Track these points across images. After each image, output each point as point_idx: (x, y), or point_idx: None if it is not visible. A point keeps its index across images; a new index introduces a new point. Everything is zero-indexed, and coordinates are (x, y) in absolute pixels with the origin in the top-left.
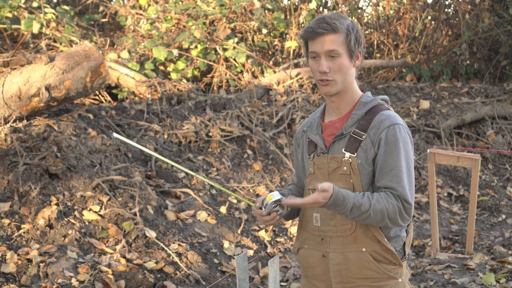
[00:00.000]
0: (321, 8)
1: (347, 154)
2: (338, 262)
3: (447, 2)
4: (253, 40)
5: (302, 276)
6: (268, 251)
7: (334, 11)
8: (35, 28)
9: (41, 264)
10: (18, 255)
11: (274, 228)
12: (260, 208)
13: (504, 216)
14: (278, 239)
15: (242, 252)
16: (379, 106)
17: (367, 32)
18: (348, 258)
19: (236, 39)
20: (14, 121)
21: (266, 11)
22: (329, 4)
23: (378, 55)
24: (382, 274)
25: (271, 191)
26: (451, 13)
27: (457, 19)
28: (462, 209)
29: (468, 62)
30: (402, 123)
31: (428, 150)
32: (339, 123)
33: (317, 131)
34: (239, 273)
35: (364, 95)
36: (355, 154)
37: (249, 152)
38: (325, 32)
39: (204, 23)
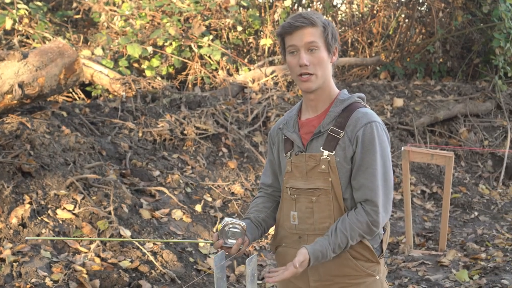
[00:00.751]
0: (296, 6)
1: (326, 153)
2: None
3: (420, 1)
4: (228, 38)
5: None
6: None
7: (309, 9)
8: (8, 24)
9: (14, 263)
10: None
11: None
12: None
13: (476, 213)
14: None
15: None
16: (355, 104)
17: (341, 30)
18: None
19: (211, 37)
20: None
21: (241, 9)
22: (303, 1)
23: (352, 53)
24: (360, 271)
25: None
26: (424, 11)
27: (430, 17)
28: (435, 207)
29: (441, 60)
30: (379, 120)
31: (403, 148)
32: (316, 121)
33: (294, 129)
34: (216, 272)
35: (341, 92)
36: (333, 152)
37: (224, 150)
38: (304, 26)
39: (179, 20)
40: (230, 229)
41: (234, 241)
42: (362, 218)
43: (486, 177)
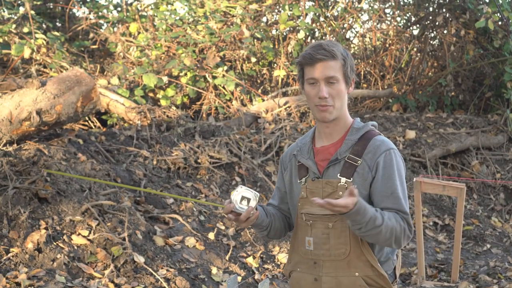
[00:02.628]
0: (309, 38)
1: (343, 179)
2: (331, 285)
3: (432, 35)
4: (242, 69)
5: None
6: (256, 277)
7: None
8: (26, 53)
9: (29, 287)
10: (7, 278)
11: (261, 255)
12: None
13: (489, 246)
14: (266, 266)
15: (230, 277)
16: (371, 132)
17: (355, 62)
18: (341, 282)
19: (225, 67)
20: (5, 145)
21: (255, 40)
22: (316, 34)
23: (365, 85)
24: None
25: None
26: (436, 45)
27: (442, 51)
28: (447, 238)
29: (453, 93)
30: (395, 147)
31: (415, 179)
32: (332, 149)
33: (309, 156)
34: None
35: (355, 121)
36: (351, 179)
37: (238, 179)
38: (325, 59)
39: (194, 51)
40: (243, 194)
41: (245, 208)
42: (401, 222)
43: (499, 210)
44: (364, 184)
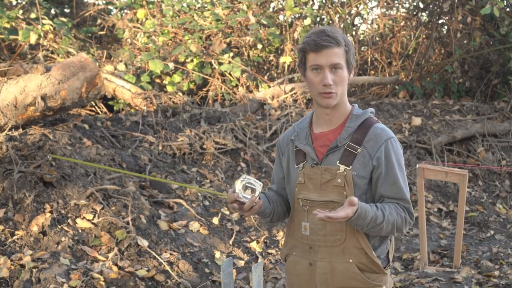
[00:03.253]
0: (316, 25)
1: (342, 167)
2: (325, 271)
3: (440, 21)
4: (248, 55)
5: (287, 284)
6: (259, 261)
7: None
8: (33, 38)
9: (33, 269)
10: (11, 260)
11: (265, 240)
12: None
13: (492, 232)
14: (269, 251)
15: (233, 262)
16: (370, 119)
17: (362, 49)
18: (335, 268)
19: (231, 54)
20: (10, 129)
21: (262, 27)
22: (324, 21)
23: (372, 72)
24: (367, 283)
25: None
26: (443, 31)
27: (449, 37)
28: (451, 225)
29: (460, 80)
30: (394, 136)
31: (417, 165)
32: (332, 135)
33: (307, 141)
34: (224, 277)
35: (354, 107)
36: (350, 167)
37: (243, 165)
38: (330, 45)
39: (200, 38)
40: (246, 184)
41: (248, 197)
42: (402, 212)
43: (504, 197)
44: (364, 171)
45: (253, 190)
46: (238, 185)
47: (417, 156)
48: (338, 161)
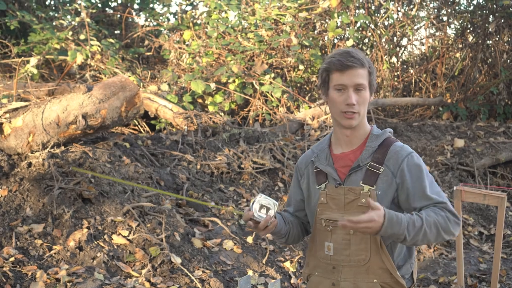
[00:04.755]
0: (359, 45)
1: (366, 187)
2: None
3: (486, 43)
4: (290, 76)
5: None
6: (292, 281)
7: (371, 50)
8: (79, 59)
9: (68, 283)
10: (48, 274)
11: (299, 260)
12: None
13: None
14: (303, 270)
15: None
16: (389, 139)
17: (407, 70)
18: (359, 287)
19: (272, 74)
20: (52, 147)
21: (304, 48)
22: (366, 41)
23: (417, 93)
24: None
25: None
26: (489, 53)
27: (495, 58)
28: (492, 248)
29: (507, 101)
30: (413, 151)
31: (455, 187)
32: (353, 155)
33: (327, 162)
34: None
35: (373, 127)
36: (374, 186)
37: (280, 184)
38: (355, 66)
39: (243, 59)
40: (262, 203)
41: (263, 216)
42: (441, 212)
43: None
44: (388, 191)
45: (268, 210)
46: (255, 204)
47: (459, 179)
48: (361, 181)
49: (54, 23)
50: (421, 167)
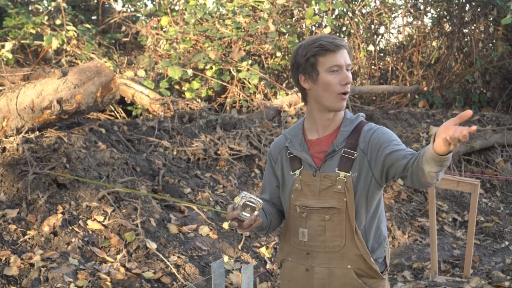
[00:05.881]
0: (336, 34)
1: (342, 174)
2: (323, 276)
3: (462, 31)
4: (267, 63)
5: None
6: (268, 267)
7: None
8: (54, 44)
9: (42, 268)
10: (22, 259)
11: (275, 246)
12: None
13: (507, 243)
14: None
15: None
16: (362, 122)
17: (384, 58)
18: (333, 273)
19: (250, 61)
20: (27, 132)
21: (281, 35)
22: (343, 29)
23: (393, 81)
24: None
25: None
26: (464, 41)
27: (471, 47)
28: (465, 235)
29: (482, 90)
30: (380, 126)
31: None
32: (328, 140)
33: (302, 148)
34: (215, 278)
35: (347, 112)
36: (350, 172)
37: (257, 171)
38: (344, 47)
39: (220, 45)
40: (246, 202)
41: (248, 215)
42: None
43: None
44: (363, 171)
45: (252, 208)
46: (238, 202)
47: None
48: (336, 168)
49: (29, 8)
50: (386, 131)
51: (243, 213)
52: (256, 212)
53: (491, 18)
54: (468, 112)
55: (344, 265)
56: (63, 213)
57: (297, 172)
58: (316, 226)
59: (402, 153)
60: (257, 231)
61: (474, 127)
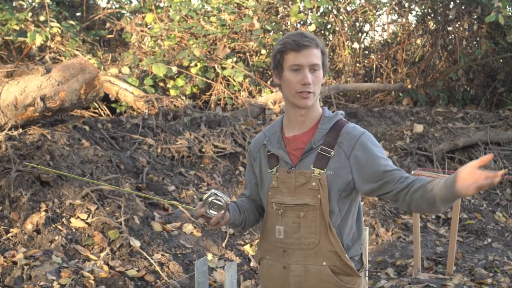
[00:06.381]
0: (321, 31)
1: (317, 171)
2: (299, 274)
3: (447, 29)
4: (252, 60)
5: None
6: (251, 265)
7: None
8: (38, 40)
9: (25, 266)
10: (4, 257)
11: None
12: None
13: (490, 240)
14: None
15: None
16: (341, 121)
17: (372, 56)
18: (308, 270)
19: (234, 59)
20: (10, 129)
21: (266, 32)
22: (328, 26)
23: (378, 79)
24: (340, 286)
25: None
26: (449, 39)
27: (455, 45)
28: (448, 232)
29: (466, 88)
30: (366, 131)
31: (413, 172)
32: (305, 137)
33: (279, 145)
34: (198, 276)
35: (325, 110)
36: (325, 170)
37: (241, 169)
38: (310, 46)
39: (205, 42)
40: (213, 201)
41: (215, 213)
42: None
43: (504, 205)
44: (340, 172)
45: (220, 207)
46: (206, 200)
47: (417, 163)
48: (312, 165)
49: (13, 4)
50: (373, 145)
51: (211, 211)
52: (222, 211)
53: (475, 16)
54: (489, 156)
55: (319, 262)
56: (46, 211)
57: (274, 169)
58: (291, 223)
59: (396, 176)
60: (232, 227)
61: (501, 171)
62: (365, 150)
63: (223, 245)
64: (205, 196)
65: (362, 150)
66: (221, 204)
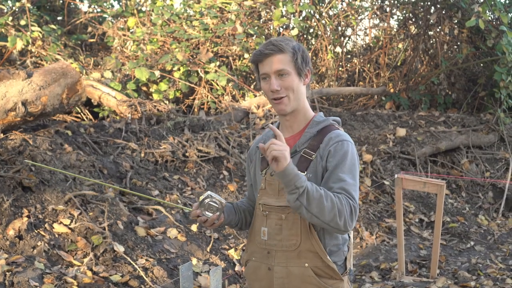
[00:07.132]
0: (304, 35)
1: None
2: (282, 275)
3: (428, 33)
4: (235, 64)
5: None
6: (236, 269)
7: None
8: (19, 45)
9: (7, 273)
10: None
11: (243, 247)
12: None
13: (472, 243)
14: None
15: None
16: (330, 126)
17: (354, 60)
18: (291, 272)
19: (217, 63)
20: None
21: (249, 37)
22: (311, 30)
23: (361, 83)
24: None
25: None
26: (430, 43)
27: (436, 49)
28: (432, 235)
29: (447, 91)
30: (351, 141)
31: (396, 176)
32: (292, 141)
33: None
34: (183, 281)
35: (317, 114)
36: (305, 172)
37: (225, 173)
38: (272, 53)
39: (188, 46)
40: (209, 202)
41: (211, 214)
42: (348, 201)
43: (486, 208)
44: (317, 174)
45: (215, 208)
46: (202, 201)
47: (400, 167)
48: None
49: None
50: (348, 155)
51: (206, 212)
52: (218, 213)
53: (456, 21)
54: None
55: (302, 263)
56: (28, 216)
57: (264, 171)
58: (274, 225)
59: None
60: (230, 227)
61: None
62: (336, 156)
63: (208, 249)
64: (201, 198)
65: (333, 154)
66: (217, 206)
